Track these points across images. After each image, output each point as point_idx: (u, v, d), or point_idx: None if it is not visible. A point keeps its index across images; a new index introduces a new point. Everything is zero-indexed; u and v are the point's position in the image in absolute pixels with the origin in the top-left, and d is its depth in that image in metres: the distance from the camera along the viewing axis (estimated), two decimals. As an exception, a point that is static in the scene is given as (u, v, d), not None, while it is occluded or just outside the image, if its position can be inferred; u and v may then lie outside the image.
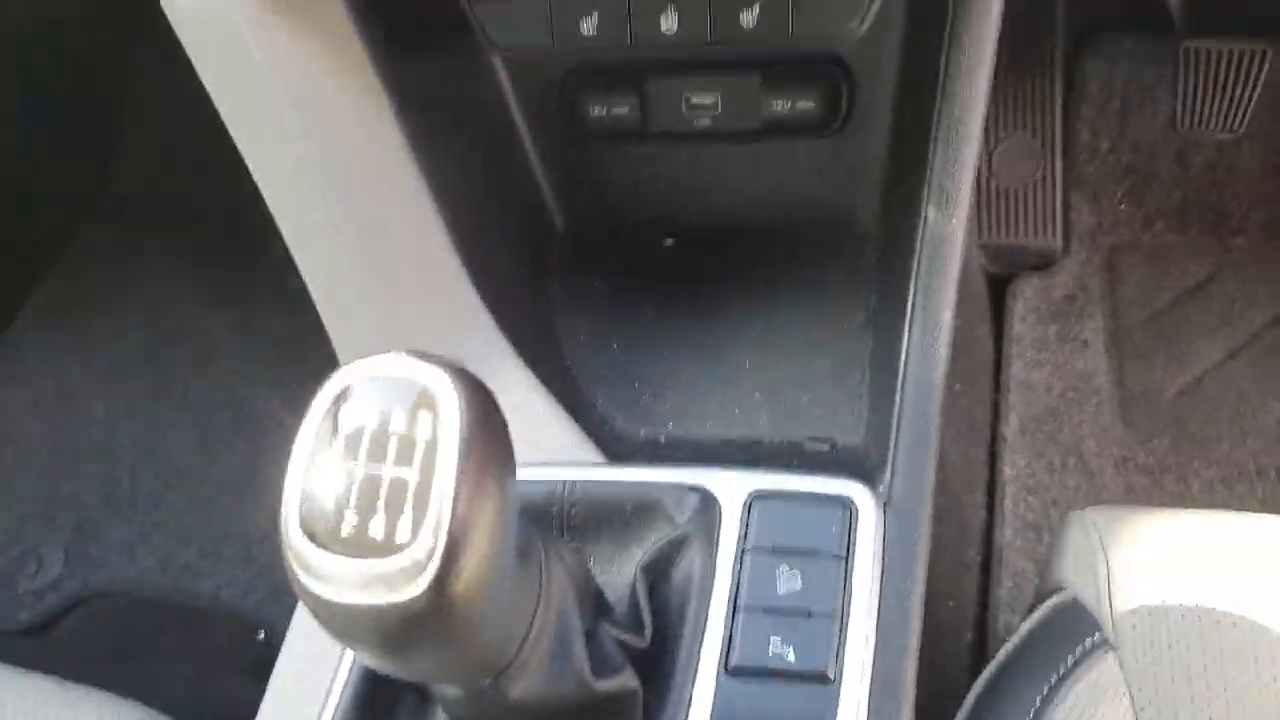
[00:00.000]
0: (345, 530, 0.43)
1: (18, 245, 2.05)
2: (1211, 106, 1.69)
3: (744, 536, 0.75)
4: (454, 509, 0.43)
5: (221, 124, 0.77)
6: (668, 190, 1.05)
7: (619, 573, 0.78)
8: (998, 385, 1.67)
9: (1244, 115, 1.68)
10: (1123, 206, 1.76)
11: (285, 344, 1.86)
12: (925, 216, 0.82)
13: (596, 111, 0.98)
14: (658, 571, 0.75)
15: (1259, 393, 1.61)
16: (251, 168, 0.77)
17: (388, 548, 0.43)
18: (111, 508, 1.80)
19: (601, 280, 1.05)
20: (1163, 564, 0.83)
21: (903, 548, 0.75)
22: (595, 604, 0.65)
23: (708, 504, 0.76)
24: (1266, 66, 1.66)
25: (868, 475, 0.81)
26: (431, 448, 0.44)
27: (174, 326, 1.96)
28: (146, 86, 2.06)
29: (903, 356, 0.83)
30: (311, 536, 0.44)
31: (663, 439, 0.94)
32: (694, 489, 0.77)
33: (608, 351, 1.00)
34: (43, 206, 2.08)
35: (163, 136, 2.07)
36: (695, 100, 0.97)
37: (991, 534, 1.54)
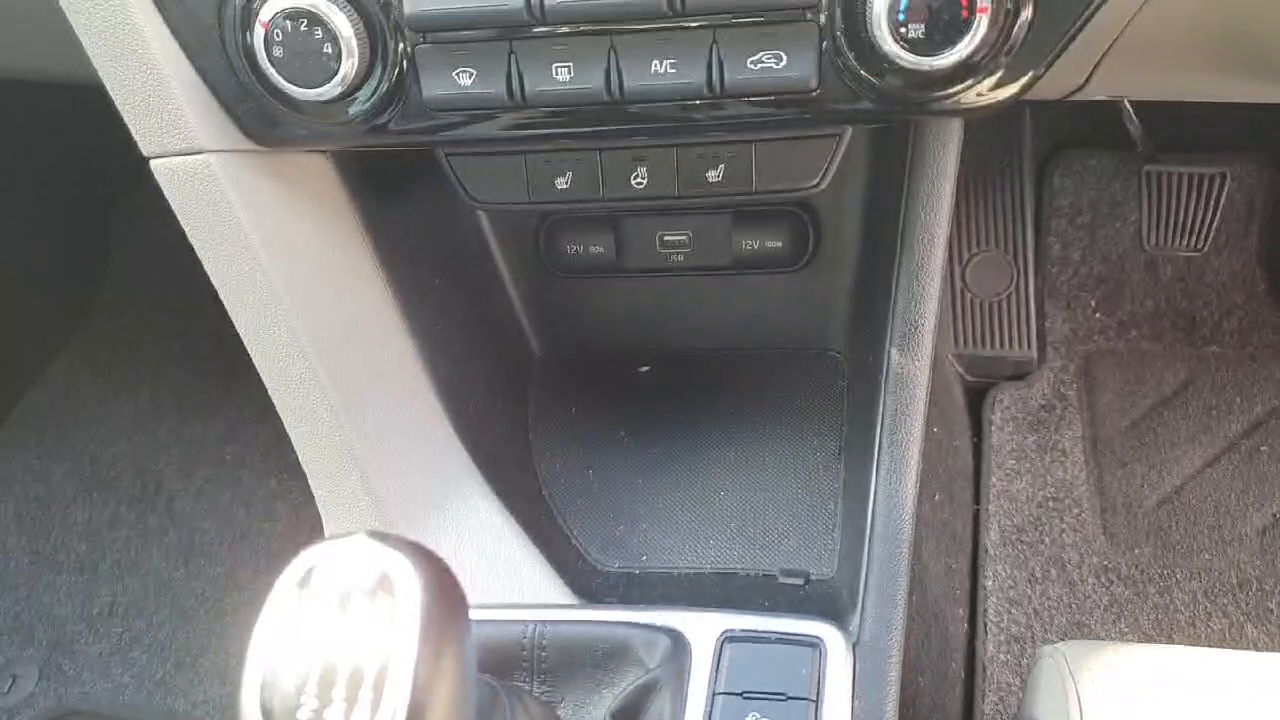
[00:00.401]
0: (303, 715, 0.44)
1: (7, 353, 2.07)
2: (1175, 227, 1.74)
3: (714, 680, 0.75)
4: (411, 696, 0.44)
5: None
6: (643, 321, 1.08)
7: (591, 717, 0.78)
8: (978, 495, 1.67)
9: (1207, 235, 1.73)
10: (1097, 315, 1.80)
11: (271, 454, 1.88)
12: (889, 357, 0.84)
13: (573, 250, 1.01)
14: (628, 717, 0.75)
15: (1239, 502, 1.62)
16: (232, 315, 0.79)
17: (343, 736, 0.44)
18: (89, 621, 1.78)
19: (578, 407, 1.07)
20: (1134, 700, 0.83)
21: (874, 687, 0.76)
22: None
23: (679, 646, 0.77)
24: (1227, 188, 1.71)
25: (839, 614, 0.81)
26: (389, 634, 0.45)
27: (161, 436, 1.97)
28: (140, 198, 2.11)
29: (872, 492, 0.84)
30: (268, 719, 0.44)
31: (637, 571, 0.95)
32: (666, 631, 0.78)
33: (582, 479, 1.01)
34: (34, 315, 2.10)
35: (153, 248, 2.11)
36: (668, 238, 1.01)
37: (974, 647, 1.53)
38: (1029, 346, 1.77)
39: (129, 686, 1.70)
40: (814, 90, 0.69)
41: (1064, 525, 1.63)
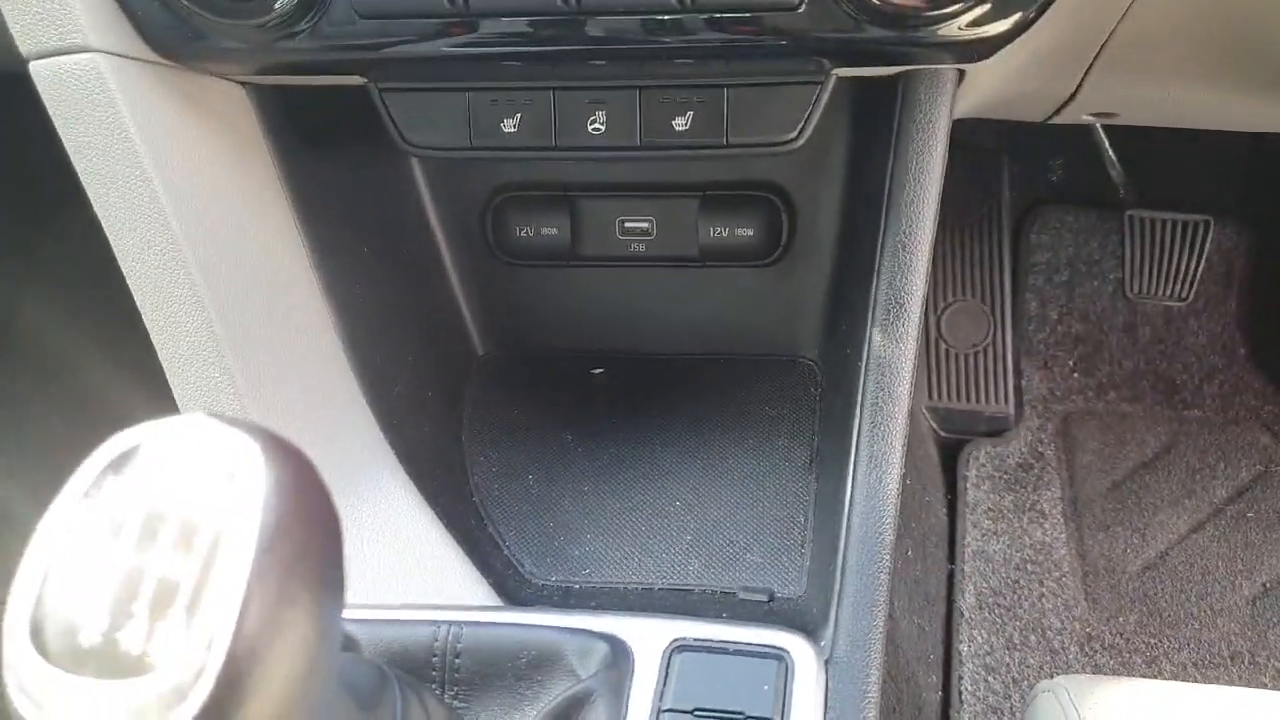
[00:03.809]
0: (87, 639, 0.32)
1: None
2: (1159, 273, 1.69)
3: (660, 694, 0.63)
4: (241, 618, 0.32)
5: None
6: (597, 317, 0.98)
7: (510, 738, 0.65)
8: (953, 555, 1.57)
9: (1191, 283, 1.68)
10: (1075, 374, 1.73)
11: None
12: (870, 340, 0.75)
13: (523, 233, 0.92)
14: (554, 737, 0.63)
15: (1227, 570, 1.52)
16: (116, 252, 0.68)
17: (140, 665, 0.32)
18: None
19: (522, 409, 0.96)
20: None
21: (850, 709, 0.64)
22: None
23: (618, 654, 0.64)
24: (1210, 235, 1.67)
25: (808, 628, 0.70)
26: (220, 536, 0.34)
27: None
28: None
29: (848, 498, 0.73)
30: (40, 648, 0.32)
31: (577, 587, 0.83)
32: (603, 637, 0.65)
33: (521, 487, 0.90)
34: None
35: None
36: (629, 224, 0.92)
37: (949, 715, 1.40)
38: (1005, 402, 1.69)
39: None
40: (796, 6, 0.62)
41: (1043, 589, 1.52)
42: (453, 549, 0.77)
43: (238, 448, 0.35)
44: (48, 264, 1.86)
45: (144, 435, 0.36)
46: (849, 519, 0.72)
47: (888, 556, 0.72)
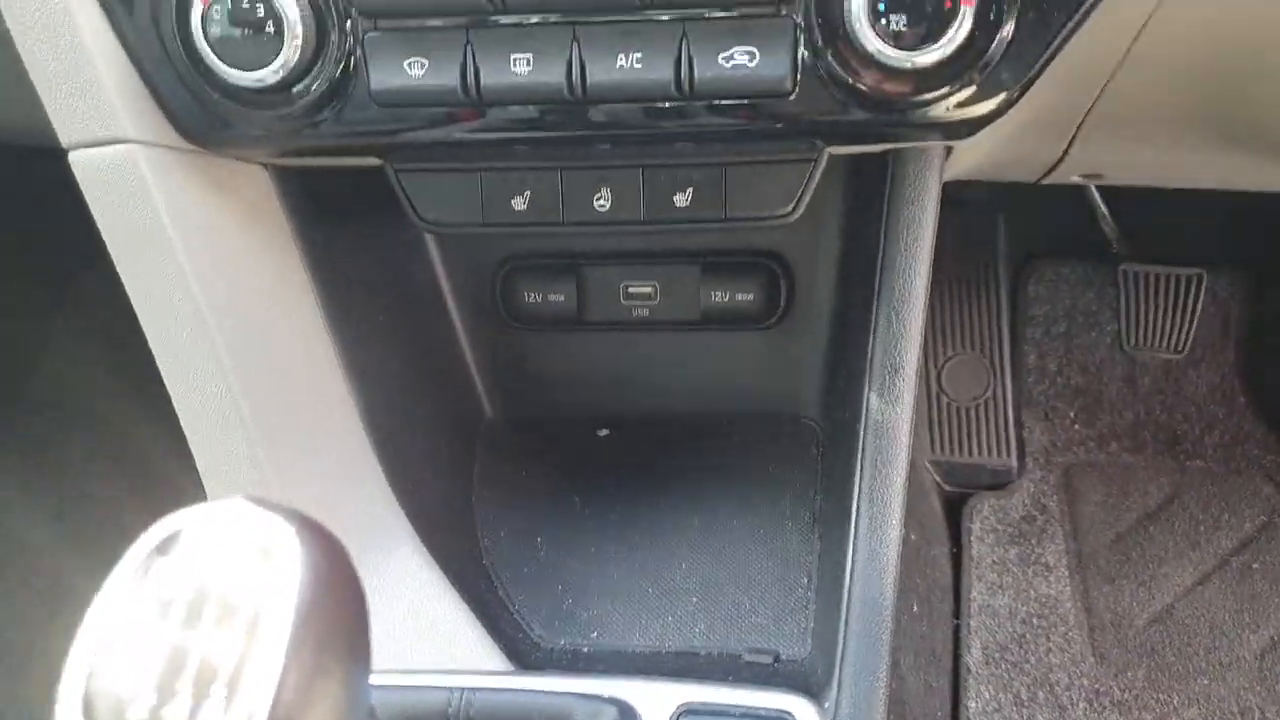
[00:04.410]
0: (135, 715, 0.34)
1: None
2: (1155, 326, 1.71)
3: None
4: (278, 692, 0.35)
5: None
6: (604, 379, 1.01)
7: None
8: (958, 610, 1.57)
9: (1188, 335, 1.70)
10: (1076, 426, 1.75)
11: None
12: (867, 404, 0.77)
13: (532, 299, 0.95)
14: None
15: (1234, 623, 1.52)
16: (146, 331, 0.72)
17: (184, 741, 0.34)
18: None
19: (530, 472, 0.98)
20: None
21: None
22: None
23: (627, 719, 0.66)
24: (1204, 288, 1.70)
25: (813, 690, 0.71)
26: (259, 615, 0.36)
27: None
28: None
29: (849, 559, 0.75)
30: (91, 719, 0.35)
31: (586, 649, 0.85)
32: (611, 701, 0.67)
33: (530, 549, 0.92)
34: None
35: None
36: (633, 289, 0.95)
37: (960, 776, 1.40)
38: (1008, 454, 1.71)
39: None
40: (789, 93, 0.65)
41: (1050, 644, 1.52)
42: (464, 612, 0.79)
43: (275, 531, 0.38)
44: (84, 308, 1.91)
45: (189, 520, 0.38)
46: (850, 580, 0.74)
47: (889, 618, 0.73)
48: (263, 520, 0.38)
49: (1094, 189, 1.67)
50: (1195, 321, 1.70)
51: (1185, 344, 1.71)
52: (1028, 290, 1.81)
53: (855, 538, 0.75)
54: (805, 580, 0.87)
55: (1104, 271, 1.77)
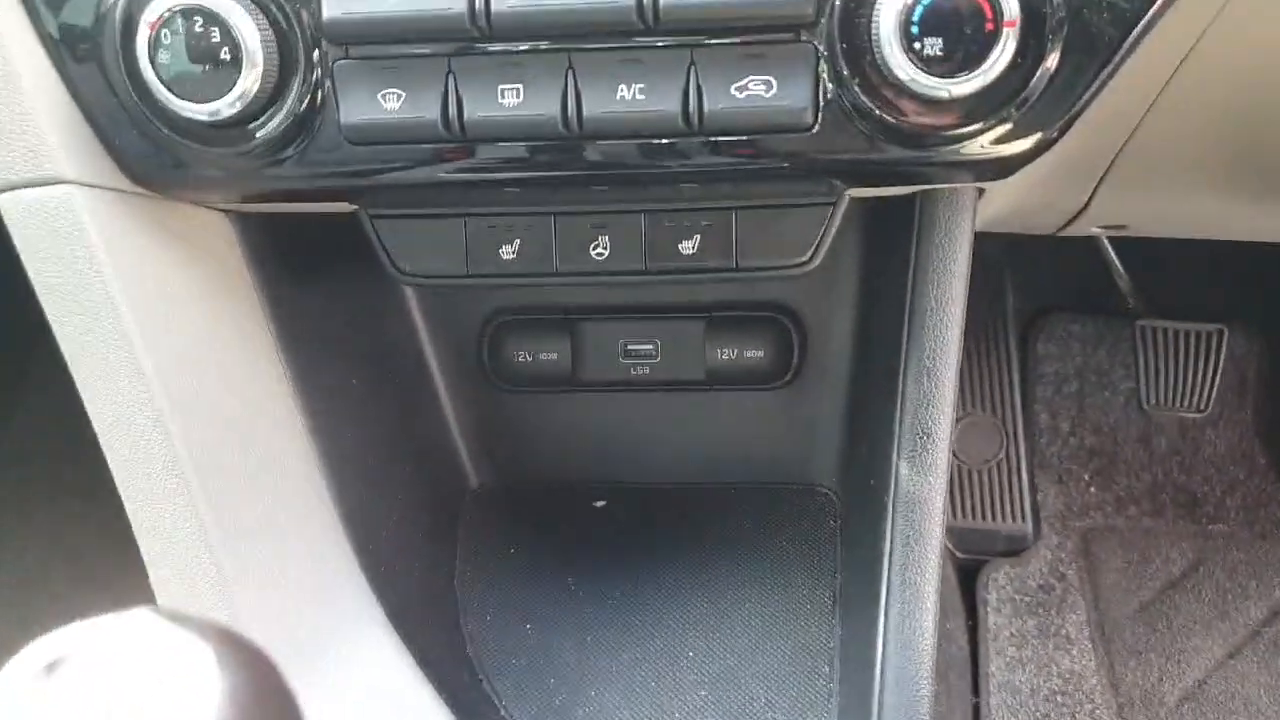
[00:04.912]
0: None
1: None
2: (1176, 384, 1.65)
3: None
4: None
5: None
6: (599, 445, 0.93)
7: None
8: (977, 687, 1.48)
9: (1209, 393, 1.64)
10: (1092, 489, 1.67)
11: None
12: (896, 474, 0.69)
13: (521, 358, 0.88)
14: None
15: (1270, 699, 1.43)
16: (82, 393, 0.63)
17: None
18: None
19: (519, 547, 0.90)
20: None
21: None
22: None
23: None
24: (1225, 344, 1.64)
25: None
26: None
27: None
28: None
29: (879, 646, 0.67)
30: None
31: None
32: None
33: (519, 635, 0.83)
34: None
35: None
36: (632, 347, 0.88)
37: None
38: (1022, 519, 1.63)
39: None
40: (809, 127, 0.58)
41: (1077, 724, 1.43)
42: (443, 713, 0.70)
43: (187, 653, 0.30)
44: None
45: (75, 641, 0.30)
46: (882, 671, 0.66)
47: (927, 713, 0.65)
48: (171, 638, 0.30)
49: (1106, 241, 1.62)
50: (1217, 379, 1.63)
51: (1207, 403, 1.64)
52: (1037, 348, 1.74)
53: (886, 622, 0.68)
54: (827, 669, 0.79)
55: (1116, 327, 1.71)
